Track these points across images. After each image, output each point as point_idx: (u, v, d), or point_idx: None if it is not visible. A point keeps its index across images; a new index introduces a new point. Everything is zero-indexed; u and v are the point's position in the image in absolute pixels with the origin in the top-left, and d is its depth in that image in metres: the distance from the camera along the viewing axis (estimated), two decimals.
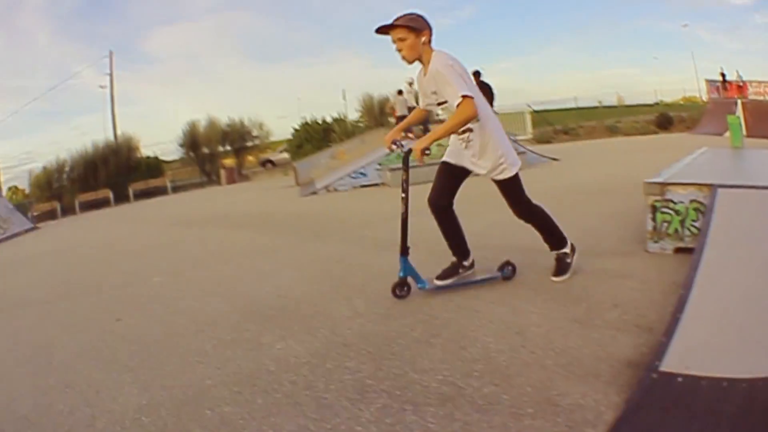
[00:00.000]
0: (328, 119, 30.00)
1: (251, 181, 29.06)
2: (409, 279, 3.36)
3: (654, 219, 3.83)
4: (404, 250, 3.24)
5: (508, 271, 3.43)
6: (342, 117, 30.18)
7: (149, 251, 8.00)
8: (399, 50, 3.12)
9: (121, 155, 32.96)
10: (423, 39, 3.09)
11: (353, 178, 13.73)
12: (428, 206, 3.32)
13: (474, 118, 2.99)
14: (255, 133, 37.27)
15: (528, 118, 20.99)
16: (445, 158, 3.39)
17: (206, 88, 63.76)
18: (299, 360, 2.62)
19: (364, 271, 3.42)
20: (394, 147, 3.41)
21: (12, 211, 22.32)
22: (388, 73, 62.71)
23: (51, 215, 25.70)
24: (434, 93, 3.17)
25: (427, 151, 2.97)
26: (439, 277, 3.37)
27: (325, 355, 2.61)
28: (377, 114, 27.36)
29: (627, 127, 26.81)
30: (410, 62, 3.16)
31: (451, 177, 3.35)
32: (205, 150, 35.51)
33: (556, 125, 27.09)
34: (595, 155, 14.84)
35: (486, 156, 3.18)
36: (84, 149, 32.84)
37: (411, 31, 3.07)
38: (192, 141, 35.33)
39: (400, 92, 16.55)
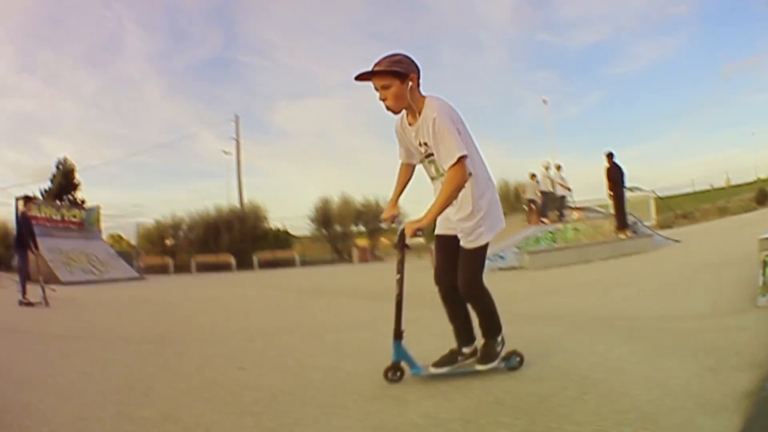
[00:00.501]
0: None
1: (384, 261, 30.13)
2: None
3: (764, 274, 4.88)
4: (398, 334, 3.28)
5: (514, 361, 3.43)
6: None
7: (277, 312, 8.50)
8: (383, 99, 3.07)
9: (246, 223, 36.00)
10: (410, 84, 3.02)
11: (491, 260, 14.64)
12: (435, 284, 3.42)
13: (466, 182, 3.01)
14: None
15: (652, 204, 23.30)
16: (437, 231, 3.42)
17: (336, 166, 67.64)
18: (449, 416, 2.68)
19: (512, 341, 3.64)
20: (394, 223, 3.49)
21: (113, 256, 24.79)
22: (522, 161, 64.25)
23: (162, 270, 28.72)
24: (424, 144, 3.14)
25: (419, 233, 3.00)
26: (435, 365, 3.37)
27: (477, 412, 2.72)
28: (513, 200, 29.17)
29: (734, 206, 30.54)
30: (397, 112, 3.15)
31: (450, 250, 3.32)
32: (338, 228, 37.19)
33: (676, 210, 30.36)
34: (710, 234, 17.24)
35: (467, 216, 3.17)
36: (205, 211, 36.56)
37: (395, 76, 2.99)
38: (324, 217, 37.43)
39: (533, 176, 18.07)
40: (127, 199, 73.90)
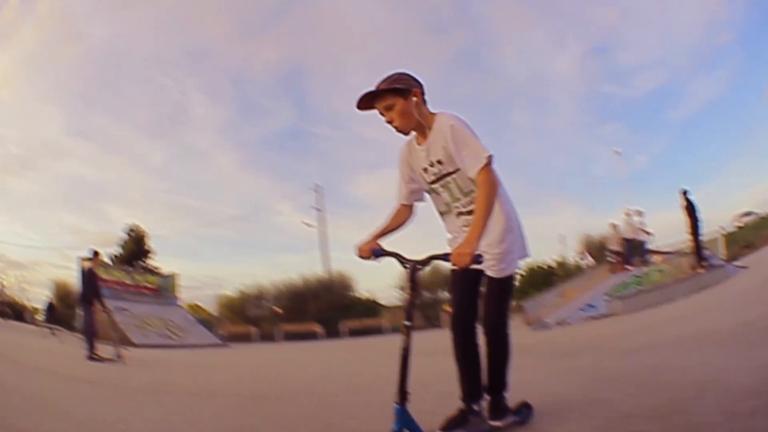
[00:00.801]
0: (549, 263, 34.68)
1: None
2: None
3: None
4: (402, 396, 2.52)
5: (525, 414, 3.33)
6: (563, 260, 35.07)
7: (378, 369, 8.45)
8: (390, 121, 2.96)
9: (333, 292, 36.48)
10: (414, 100, 2.92)
11: (583, 311, 16.33)
12: (451, 328, 3.14)
13: (498, 185, 2.83)
14: None
15: (721, 241, 24.12)
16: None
17: (422, 234, 67.07)
18: None
19: (621, 369, 4.30)
20: (373, 258, 2.95)
21: (192, 322, 25.26)
22: (600, 217, 62.57)
23: (244, 338, 29.02)
24: (437, 163, 3.01)
25: (481, 259, 2.53)
26: (444, 429, 3.06)
27: (610, 428, 2.94)
28: (597, 253, 29.41)
29: None
30: (407, 132, 3.03)
31: (470, 285, 3.12)
32: (427, 294, 37.03)
33: (740, 242, 30.29)
34: None
35: (498, 239, 2.97)
36: (290, 280, 37.16)
37: (398, 94, 2.89)
38: None
39: (614, 226, 19.13)
40: (203, 271, 75.53)
